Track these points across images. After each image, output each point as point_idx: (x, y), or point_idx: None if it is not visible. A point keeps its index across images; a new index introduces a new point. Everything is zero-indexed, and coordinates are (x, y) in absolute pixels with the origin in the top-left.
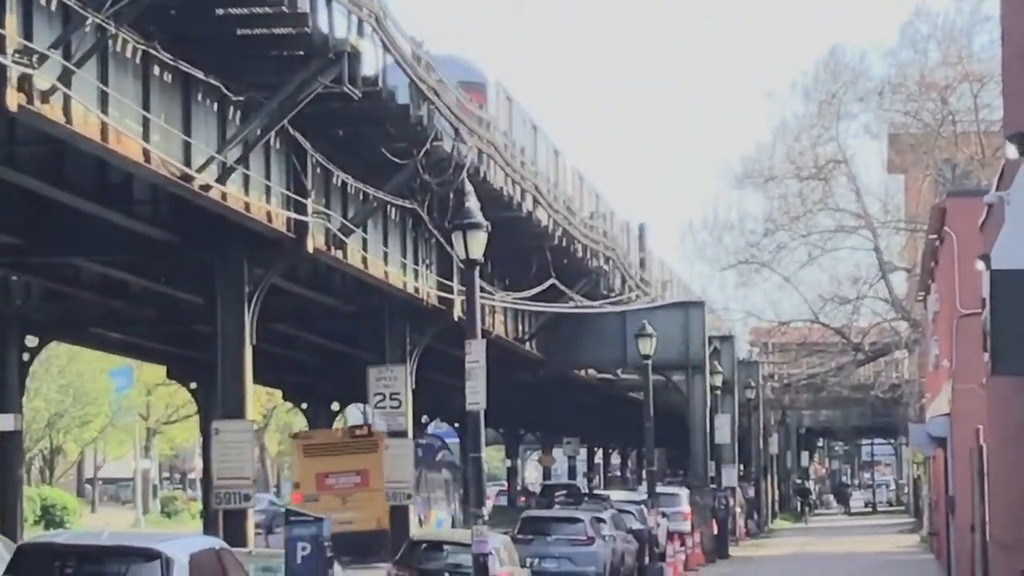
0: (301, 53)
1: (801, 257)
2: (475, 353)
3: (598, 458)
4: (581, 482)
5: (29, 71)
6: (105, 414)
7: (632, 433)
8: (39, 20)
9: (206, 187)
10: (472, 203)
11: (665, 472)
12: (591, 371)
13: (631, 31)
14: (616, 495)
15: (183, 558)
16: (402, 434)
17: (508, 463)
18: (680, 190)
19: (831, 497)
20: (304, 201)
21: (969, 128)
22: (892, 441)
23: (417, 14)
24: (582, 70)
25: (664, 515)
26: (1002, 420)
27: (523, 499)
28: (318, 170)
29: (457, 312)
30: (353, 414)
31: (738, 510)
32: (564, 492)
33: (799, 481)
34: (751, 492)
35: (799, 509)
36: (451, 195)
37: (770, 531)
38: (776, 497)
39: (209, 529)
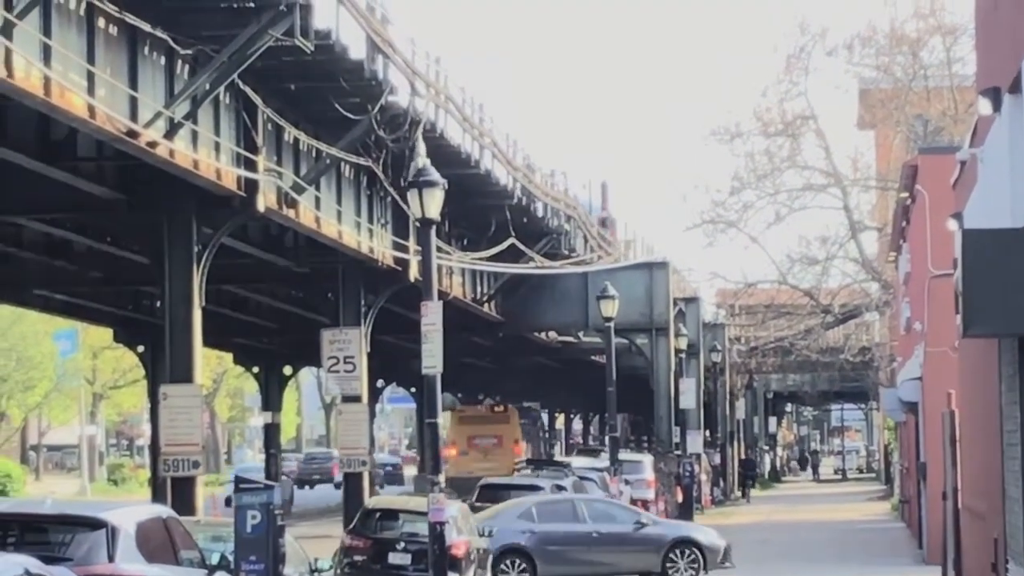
0: (251, 5)
1: (768, 216)
2: (431, 315)
3: (559, 423)
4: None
5: None
6: (50, 378)
7: (594, 397)
8: None
9: (153, 144)
10: (422, 159)
11: (628, 438)
12: (552, 333)
13: None
14: (578, 462)
15: (129, 527)
16: (356, 399)
17: None
18: (651, 152)
19: (796, 464)
20: (255, 158)
21: (941, 83)
22: (862, 406)
23: None
24: (556, 27)
25: (627, 482)
26: (974, 384)
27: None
28: (269, 126)
29: (413, 273)
30: (306, 378)
31: (703, 477)
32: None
33: (765, 448)
34: (717, 459)
35: (740, 484)
36: (407, 152)
37: (736, 498)
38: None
39: (157, 497)
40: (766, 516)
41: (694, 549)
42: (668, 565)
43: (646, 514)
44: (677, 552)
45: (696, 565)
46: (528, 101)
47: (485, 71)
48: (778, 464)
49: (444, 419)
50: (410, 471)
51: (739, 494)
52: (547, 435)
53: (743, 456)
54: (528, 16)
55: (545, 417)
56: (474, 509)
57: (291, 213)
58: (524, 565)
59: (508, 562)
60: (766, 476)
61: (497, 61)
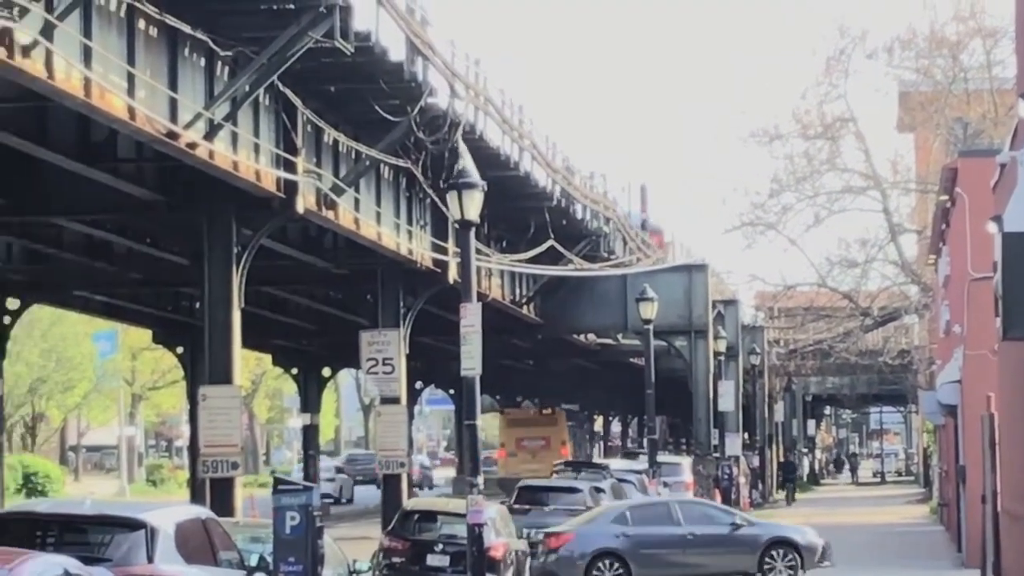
0: (291, 7)
1: (808, 219)
2: (470, 317)
3: (598, 426)
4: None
5: (10, 24)
6: (89, 379)
7: (633, 399)
8: None
9: (193, 145)
10: (467, 162)
11: (667, 440)
12: (591, 336)
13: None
14: (616, 464)
15: (168, 528)
16: (395, 400)
17: None
18: (689, 153)
19: (833, 467)
20: (294, 160)
21: (981, 86)
22: (901, 409)
23: None
24: (593, 29)
25: (666, 485)
26: (1013, 387)
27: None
28: (309, 128)
29: (452, 274)
30: (345, 380)
31: (742, 480)
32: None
33: (804, 451)
34: (755, 461)
35: (783, 488)
36: (446, 154)
37: (775, 501)
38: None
39: (196, 498)
40: (805, 518)
41: (791, 549)
42: (765, 566)
43: (741, 514)
44: (774, 553)
45: (794, 565)
46: (545, 101)
47: (500, 71)
48: (817, 467)
49: (485, 421)
50: (447, 473)
51: (778, 496)
52: (591, 437)
53: (784, 459)
54: (541, 16)
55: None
56: (512, 511)
57: (330, 215)
58: (619, 568)
59: (602, 565)
60: (804, 479)
61: (510, 61)
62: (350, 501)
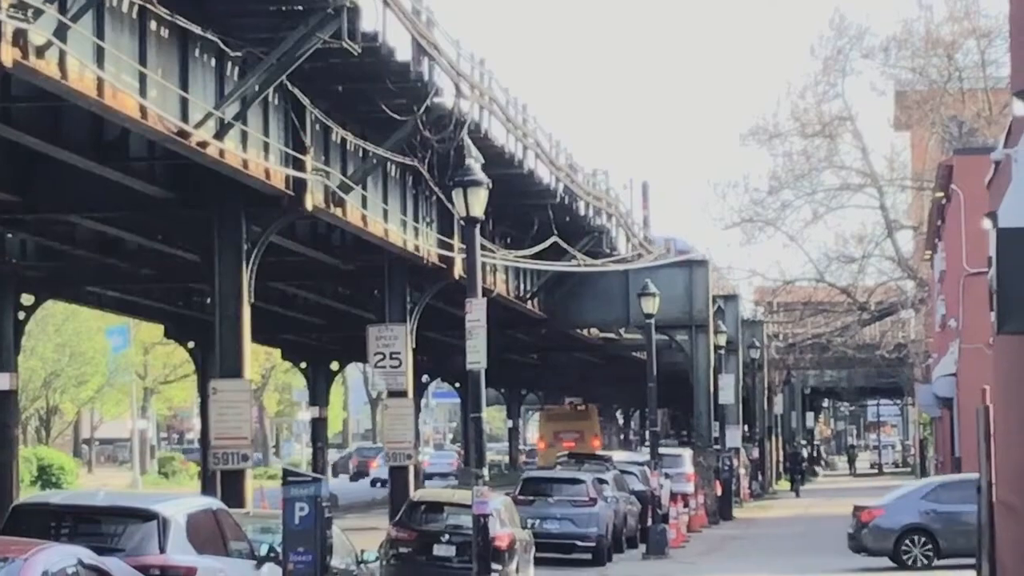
0: (300, 8)
1: (806, 215)
2: (476, 312)
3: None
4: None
5: (24, 26)
6: (102, 373)
7: (635, 393)
8: None
9: (203, 144)
10: (473, 160)
11: (668, 432)
12: (594, 330)
13: None
14: (619, 456)
15: (180, 519)
16: (402, 394)
17: (510, 423)
18: (689, 152)
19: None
20: (303, 158)
21: (976, 85)
22: (898, 402)
23: None
24: (595, 29)
25: (667, 476)
26: (1008, 380)
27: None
28: (317, 127)
29: (458, 270)
30: (352, 374)
31: (742, 471)
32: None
33: (803, 443)
34: (755, 453)
35: (790, 478)
36: (452, 152)
37: (774, 492)
38: (781, 458)
39: (207, 490)
40: (803, 509)
41: None
42: None
43: None
44: None
45: None
46: (546, 99)
47: (504, 69)
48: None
49: (490, 414)
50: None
51: (778, 487)
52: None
53: (790, 450)
54: (540, 15)
55: None
56: (517, 502)
57: (338, 212)
58: (927, 544)
59: (911, 540)
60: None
61: (513, 59)
62: None
